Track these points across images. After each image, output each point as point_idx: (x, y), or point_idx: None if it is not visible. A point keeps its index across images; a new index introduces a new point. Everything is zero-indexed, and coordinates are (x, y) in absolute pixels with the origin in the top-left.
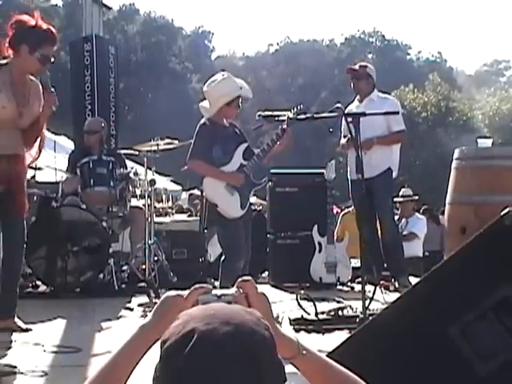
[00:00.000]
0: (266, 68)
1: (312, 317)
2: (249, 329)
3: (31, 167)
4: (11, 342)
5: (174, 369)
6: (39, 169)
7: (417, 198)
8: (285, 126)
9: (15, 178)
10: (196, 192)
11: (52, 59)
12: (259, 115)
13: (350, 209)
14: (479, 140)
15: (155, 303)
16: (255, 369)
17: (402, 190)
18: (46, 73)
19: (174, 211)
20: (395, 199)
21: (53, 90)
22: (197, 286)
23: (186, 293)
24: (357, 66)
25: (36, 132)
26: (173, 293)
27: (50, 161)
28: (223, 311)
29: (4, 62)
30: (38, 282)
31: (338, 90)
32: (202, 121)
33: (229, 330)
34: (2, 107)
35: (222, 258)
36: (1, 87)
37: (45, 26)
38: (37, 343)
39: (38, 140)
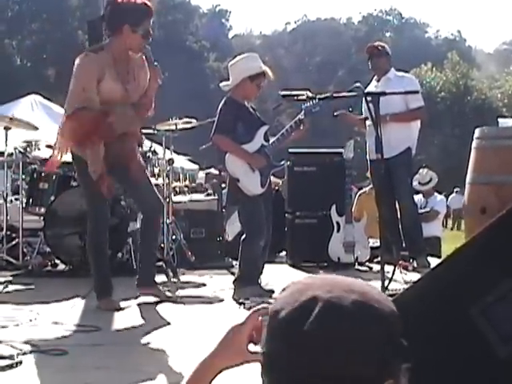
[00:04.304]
0: (283, 46)
1: None
2: (375, 298)
3: (50, 146)
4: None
5: (297, 338)
6: None
7: (436, 180)
8: (302, 117)
9: (130, 155)
10: (213, 171)
11: (151, 31)
12: (279, 94)
13: (366, 189)
14: (500, 120)
15: (173, 282)
16: (388, 338)
17: (420, 170)
18: (146, 47)
19: (191, 190)
20: (418, 188)
21: (156, 63)
22: (256, 308)
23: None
24: (376, 44)
25: (146, 105)
26: (237, 323)
27: None
28: (340, 279)
29: (104, 43)
30: (57, 261)
31: (355, 68)
32: (224, 99)
33: (356, 298)
34: (109, 89)
35: (243, 236)
36: (106, 70)
37: (139, 1)
38: (56, 322)
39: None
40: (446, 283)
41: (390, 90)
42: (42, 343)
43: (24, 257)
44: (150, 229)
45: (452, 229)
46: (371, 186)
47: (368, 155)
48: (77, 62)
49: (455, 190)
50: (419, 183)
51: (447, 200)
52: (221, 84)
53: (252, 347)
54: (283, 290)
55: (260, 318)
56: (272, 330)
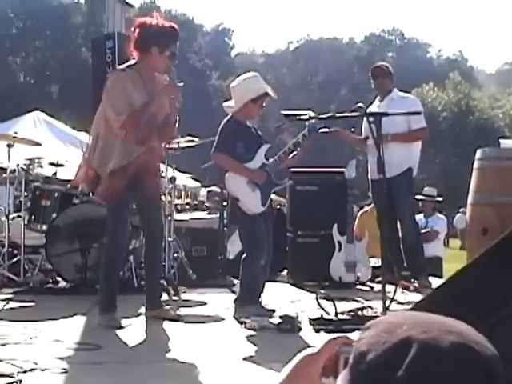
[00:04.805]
0: (286, 65)
1: (332, 316)
2: (474, 339)
3: (52, 164)
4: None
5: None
6: (61, 165)
7: (440, 199)
8: (300, 140)
9: (150, 170)
10: (215, 189)
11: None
12: (281, 114)
13: (368, 208)
14: (501, 141)
15: (174, 300)
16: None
17: (425, 188)
18: (171, 68)
19: (192, 208)
20: (418, 197)
21: (181, 84)
22: (333, 337)
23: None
24: (380, 65)
25: (169, 127)
26: (309, 351)
27: (72, 157)
28: (431, 317)
29: (132, 62)
30: (58, 278)
31: (357, 87)
32: (227, 118)
33: (455, 340)
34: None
35: (243, 255)
36: (135, 86)
37: (167, 25)
38: (57, 340)
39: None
40: (448, 304)
41: (393, 111)
42: (42, 361)
43: (25, 274)
44: (153, 252)
45: (461, 248)
46: (373, 205)
47: (370, 175)
48: (110, 77)
49: (461, 210)
50: (422, 194)
51: (452, 220)
52: (224, 104)
53: (324, 379)
54: (366, 328)
55: (341, 348)
56: (359, 373)
